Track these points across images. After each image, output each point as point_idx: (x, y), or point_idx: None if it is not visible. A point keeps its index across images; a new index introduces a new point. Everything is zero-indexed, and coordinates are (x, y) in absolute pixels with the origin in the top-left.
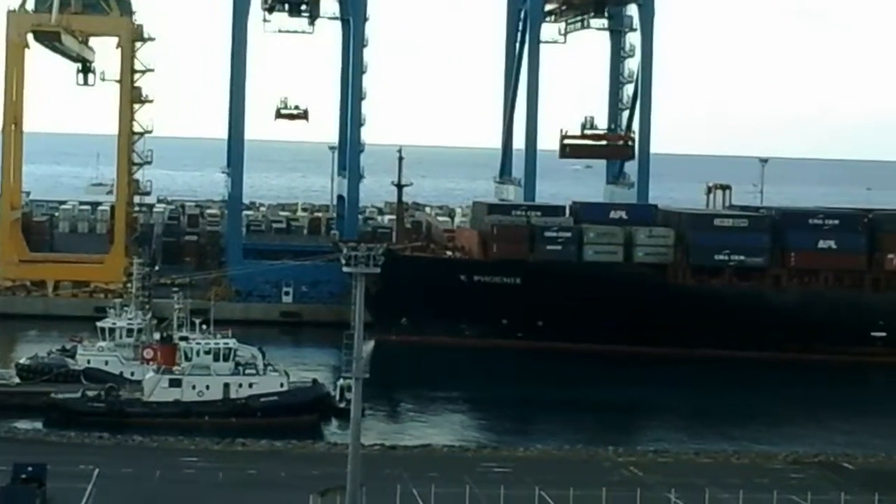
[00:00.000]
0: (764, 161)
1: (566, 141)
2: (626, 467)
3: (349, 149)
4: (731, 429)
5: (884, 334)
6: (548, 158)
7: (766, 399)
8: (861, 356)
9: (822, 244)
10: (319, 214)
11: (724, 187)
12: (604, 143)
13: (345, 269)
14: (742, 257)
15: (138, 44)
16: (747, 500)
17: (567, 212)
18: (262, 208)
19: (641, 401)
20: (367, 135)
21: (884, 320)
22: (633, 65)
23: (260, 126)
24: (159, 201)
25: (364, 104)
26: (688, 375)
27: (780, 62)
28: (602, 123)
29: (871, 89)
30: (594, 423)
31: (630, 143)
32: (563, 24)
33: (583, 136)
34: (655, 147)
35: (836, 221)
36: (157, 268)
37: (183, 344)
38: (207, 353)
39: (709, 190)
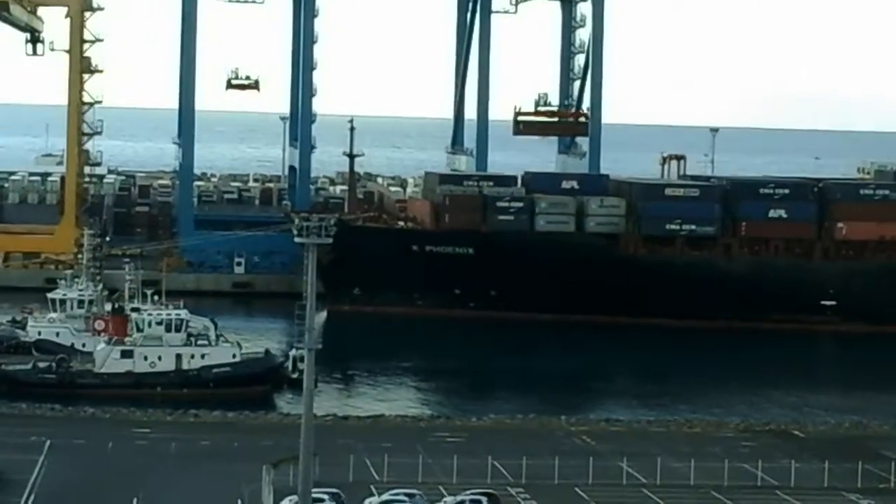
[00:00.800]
0: (714, 131)
1: (520, 118)
2: (578, 436)
3: (301, 119)
4: (682, 398)
5: (833, 303)
6: (500, 128)
7: (717, 368)
8: (811, 324)
9: (772, 213)
10: (271, 185)
11: (679, 157)
12: (557, 119)
13: (297, 239)
14: (693, 227)
15: (88, 13)
16: (699, 469)
17: (519, 182)
18: (214, 179)
19: (594, 370)
20: (319, 105)
21: (834, 289)
22: (584, 35)
23: (211, 96)
24: (110, 172)
25: (315, 74)
26: (640, 345)
27: (733, 31)
28: (555, 95)
29: (820, 60)
30: (547, 392)
31: (584, 119)
32: None
33: (536, 113)
34: (609, 117)
35: (787, 191)
36: (108, 239)
37: (134, 315)
38: (159, 324)
39: (663, 160)
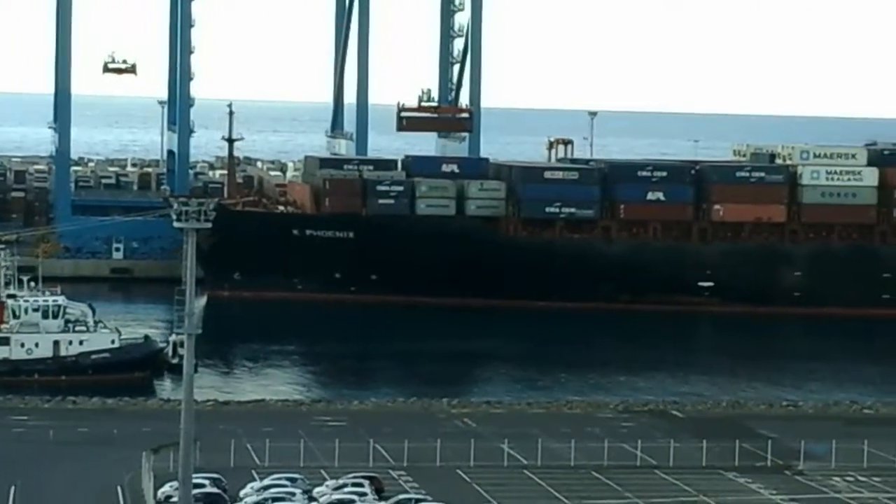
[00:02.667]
0: (593, 114)
1: (403, 114)
2: (459, 419)
3: (179, 103)
4: (563, 379)
5: (711, 284)
6: (381, 112)
7: (597, 349)
8: (689, 306)
9: (650, 196)
10: (149, 170)
11: (566, 142)
12: (438, 115)
13: (176, 224)
14: (572, 209)
15: None
16: (579, 449)
17: (399, 165)
18: (91, 164)
19: (475, 353)
20: (197, 89)
21: (711, 270)
22: (463, 19)
23: (87, 80)
24: None
25: (193, 58)
26: (521, 327)
27: (610, 14)
28: (436, 82)
29: (697, 43)
30: (428, 375)
31: (467, 115)
32: None
33: (420, 109)
34: (489, 101)
35: (665, 173)
36: None
37: (10, 301)
38: (36, 310)
39: (550, 144)
